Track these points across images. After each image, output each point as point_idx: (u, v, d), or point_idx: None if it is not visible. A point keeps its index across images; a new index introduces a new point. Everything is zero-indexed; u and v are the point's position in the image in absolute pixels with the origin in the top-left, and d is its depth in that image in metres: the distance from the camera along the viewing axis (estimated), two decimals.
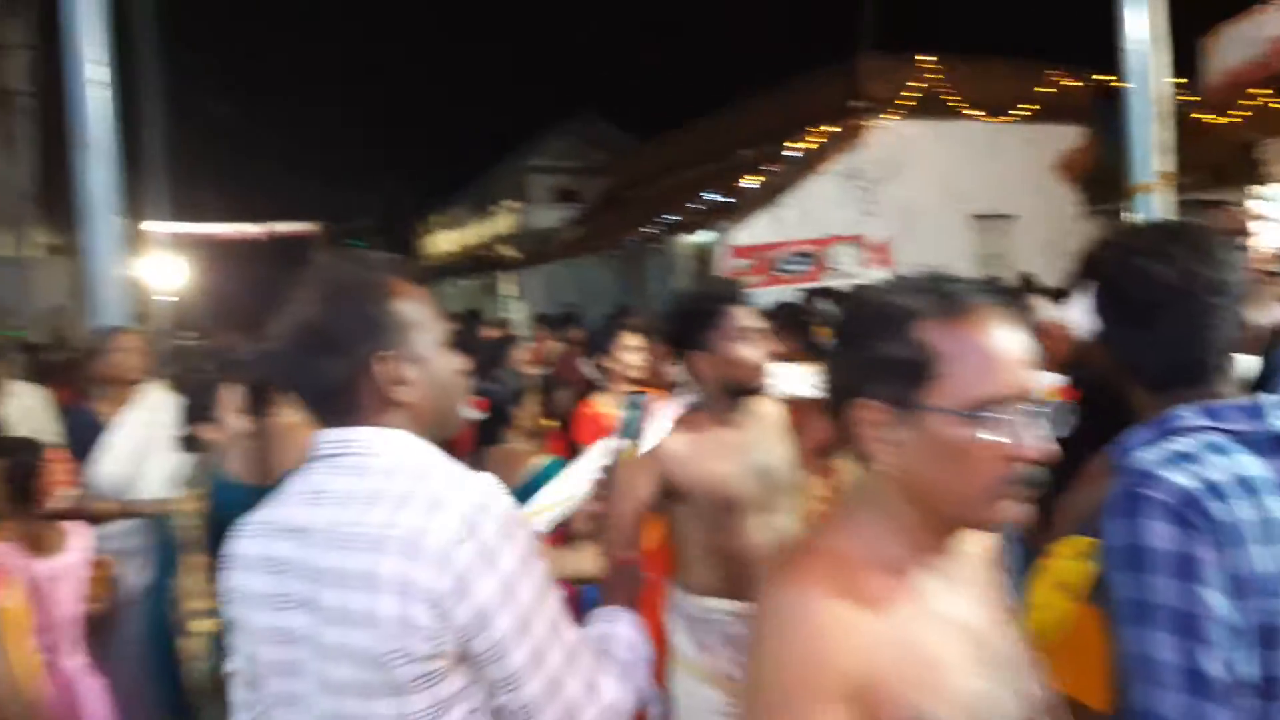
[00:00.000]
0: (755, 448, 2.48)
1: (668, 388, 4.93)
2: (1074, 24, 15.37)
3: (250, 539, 1.41)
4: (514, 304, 23.01)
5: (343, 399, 1.37)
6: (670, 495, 2.41)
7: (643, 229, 17.18)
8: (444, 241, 35.74)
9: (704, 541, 2.43)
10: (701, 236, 15.56)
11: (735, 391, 2.45)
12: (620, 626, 1.52)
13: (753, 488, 2.43)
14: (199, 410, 3.31)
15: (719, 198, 15.70)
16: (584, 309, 17.16)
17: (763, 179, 15.33)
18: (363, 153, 46.24)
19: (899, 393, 1.12)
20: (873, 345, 1.15)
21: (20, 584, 2.30)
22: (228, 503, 2.55)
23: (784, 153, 15.33)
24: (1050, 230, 15.00)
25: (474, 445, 3.61)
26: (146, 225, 16.66)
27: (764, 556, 2.38)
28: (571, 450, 4.41)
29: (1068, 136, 15.01)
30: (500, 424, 3.58)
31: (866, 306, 1.20)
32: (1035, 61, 15.92)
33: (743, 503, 2.42)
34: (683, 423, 2.46)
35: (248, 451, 2.58)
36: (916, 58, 15.36)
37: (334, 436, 1.38)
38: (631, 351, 4.40)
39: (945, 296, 1.16)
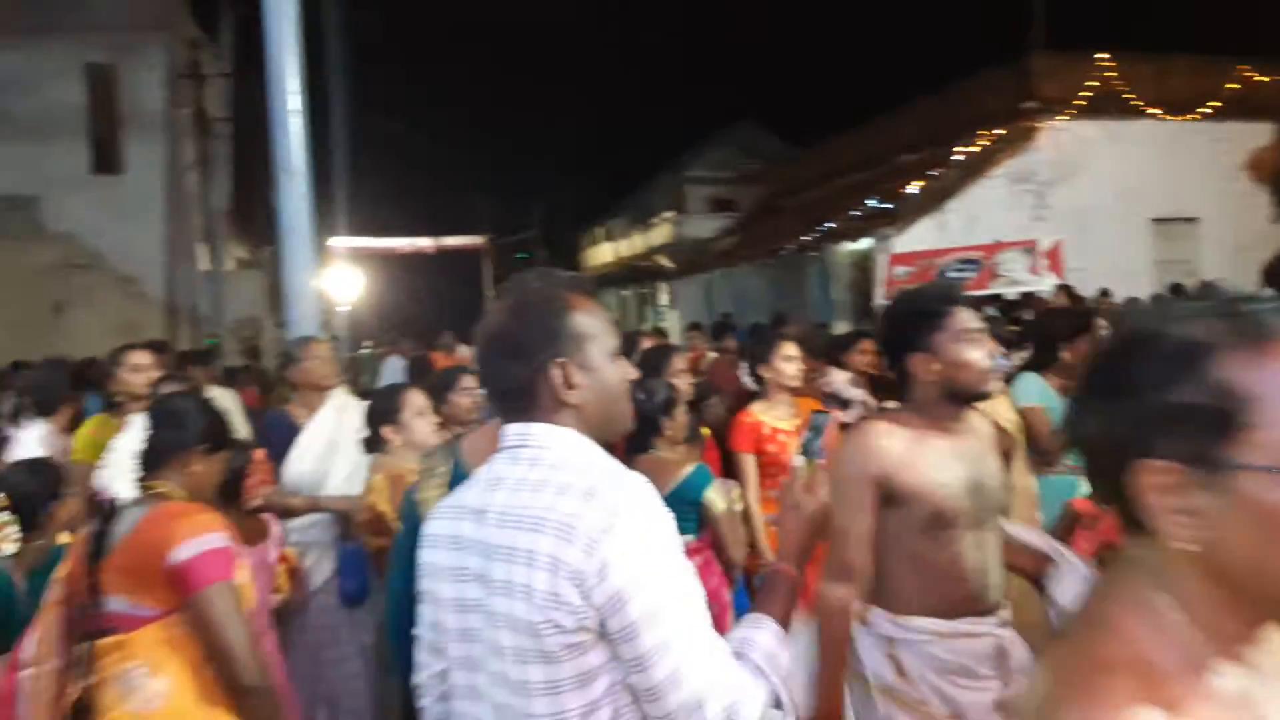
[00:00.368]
0: (972, 458, 2.36)
1: (821, 398, 4.93)
2: (1263, 17, 14.39)
3: (441, 520, 1.60)
4: (669, 314, 23.24)
5: (523, 398, 1.54)
6: (883, 502, 2.31)
7: (800, 237, 17.06)
8: (603, 253, 36.41)
9: (910, 556, 2.31)
10: (860, 244, 15.33)
11: (957, 397, 2.34)
12: (761, 634, 1.54)
13: (968, 501, 2.31)
14: (383, 414, 3.53)
15: (879, 204, 15.44)
16: (739, 318, 17.17)
17: (926, 184, 14.99)
18: (527, 168, 47.56)
19: (1197, 449, 0.90)
20: (1156, 391, 0.92)
21: (246, 566, 2.52)
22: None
23: (950, 157, 14.95)
24: (1239, 234, 14.06)
25: (623, 453, 3.69)
26: (328, 240, 17.71)
27: (972, 576, 2.30)
28: (724, 459, 4.45)
29: (1258, 134, 14.05)
30: (650, 433, 3.62)
31: (1140, 340, 0.96)
32: (1221, 57, 14.98)
33: (958, 516, 2.30)
34: (896, 425, 2.36)
35: (472, 443, 2.75)
36: (1093, 55, 14.70)
37: (515, 430, 1.56)
38: (789, 361, 4.40)
39: (1245, 320, 0.92)
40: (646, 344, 7.22)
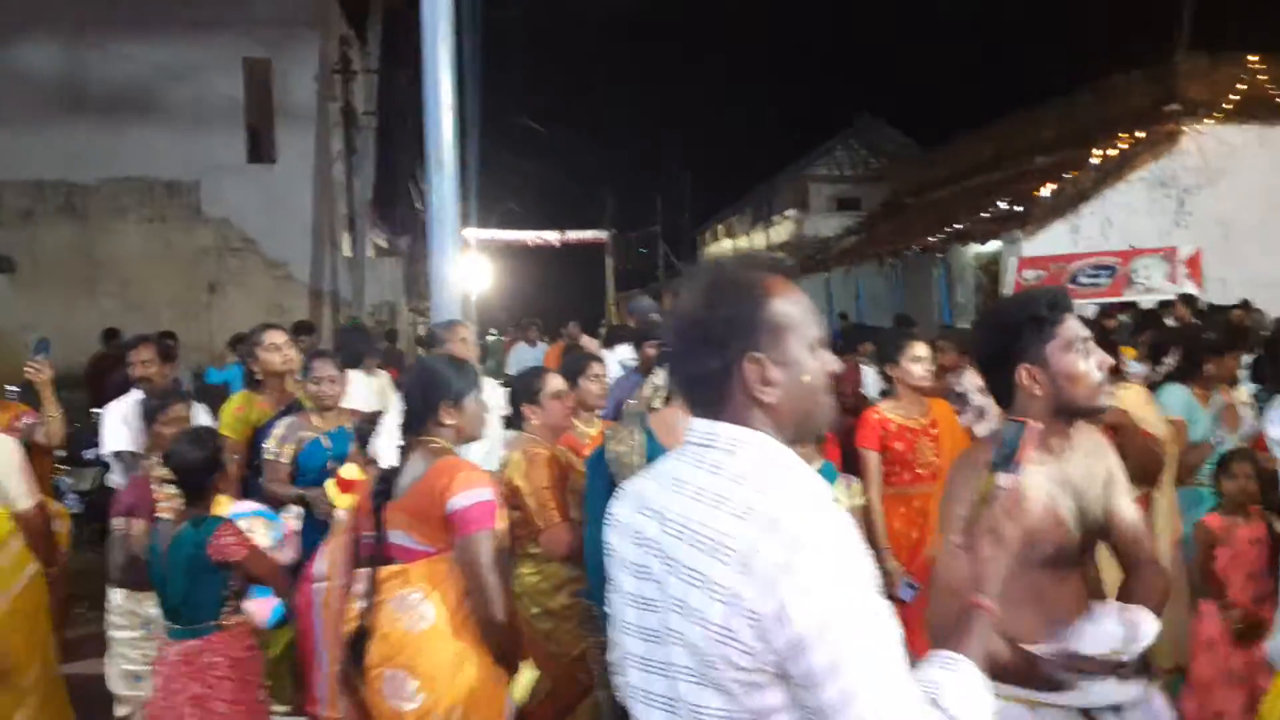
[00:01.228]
0: (1084, 481, 2.15)
1: (949, 399, 4.97)
2: None
3: (625, 507, 1.53)
4: None
5: (712, 392, 1.42)
6: None
7: (925, 238, 16.82)
8: (723, 249, 36.45)
9: (1015, 585, 2.07)
10: (988, 246, 15.05)
11: (1068, 412, 2.12)
12: (956, 676, 1.40)
13: (1077, 528, 2.12)
14: (526, 393, 3.77)
15: (1009, 206, 15.12)
16: (860, 318, 17.02)
17: (1059, 186, 14.61)
18: (651, 163, 47.89)
19: None
20: None
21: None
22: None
23: (1087, 159, 14.53)
24: None
25: None
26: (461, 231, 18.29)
27: (1079, 609, 2.12)
28: (844, 456, 4.54)
29: None
30: None
31: None
32: None
33: (1069, 545, 2.11)
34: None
35: (659, 418, 2.99)
36: (1242, 57, 14.08)
37: (701, 428, 1.44)
38: (918, 361, 4.44)
39: None
40: None
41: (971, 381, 5.09)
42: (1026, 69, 37.75)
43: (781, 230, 28.06)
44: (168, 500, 3.54)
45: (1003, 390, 2.19)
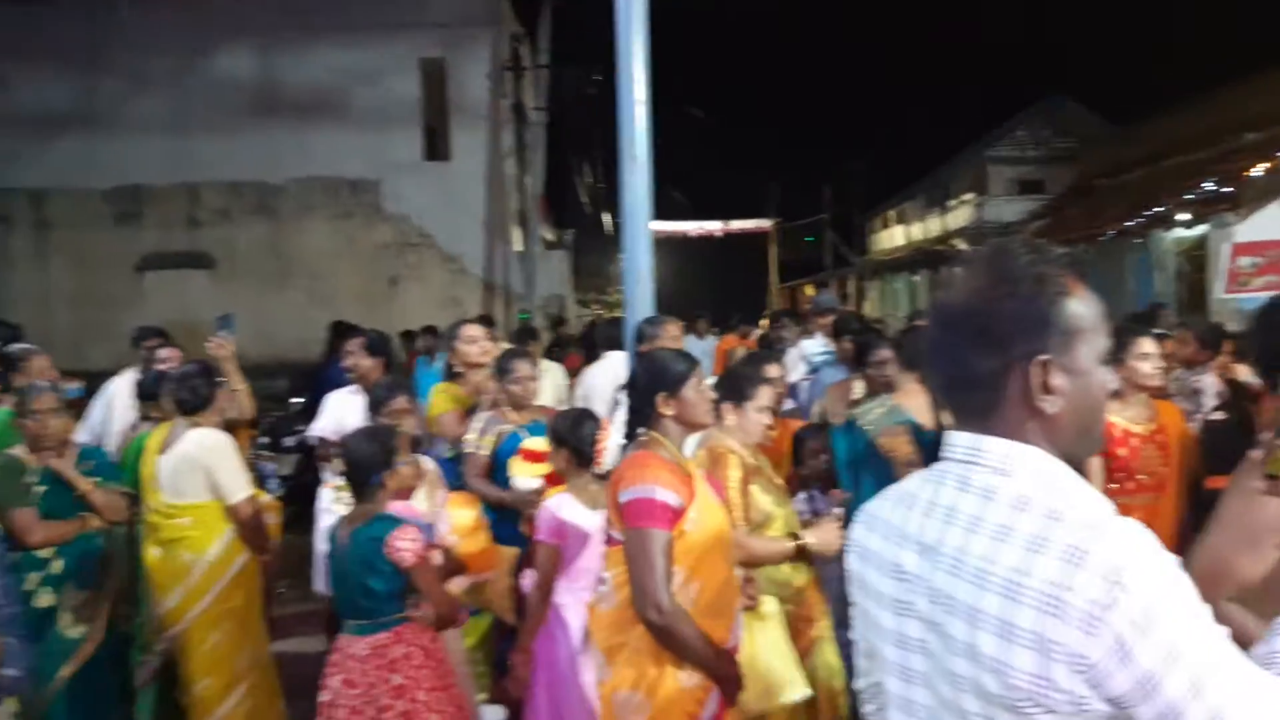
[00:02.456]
0: None
1: (1184, 397, 4.54)
2: None
3: (873, 534, 1.40)
4: None
5: (980, 397, 1.27)
6: None
7: (1120, 222, 15.78)
8: (893, 236, 35.45)
9: None
10: (1193, 231, 13.98)
11: None
12: None
13: None
14: (733, 392, 3.60)
15: (1216, 187, 13.98)
16: None
17: (1273, 165, 13.40)
18: (817, 149, 47.09)
19: None
20: None
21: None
22: (923, 443, 3.78)
23: None
24: None
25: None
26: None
27: None
28: None
29: None
30: None
31: None
32: None
33: None
34: None
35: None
36: None
37: (964, 443, 1.29)
38: (1145, 359, 4.03)
39: None
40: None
41: (1211, 382, 4.63)
42: (1234, 39, 34.97)
43: (958, 215, 26.99)
44: (336, 493, 3.59)
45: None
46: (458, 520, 3.55)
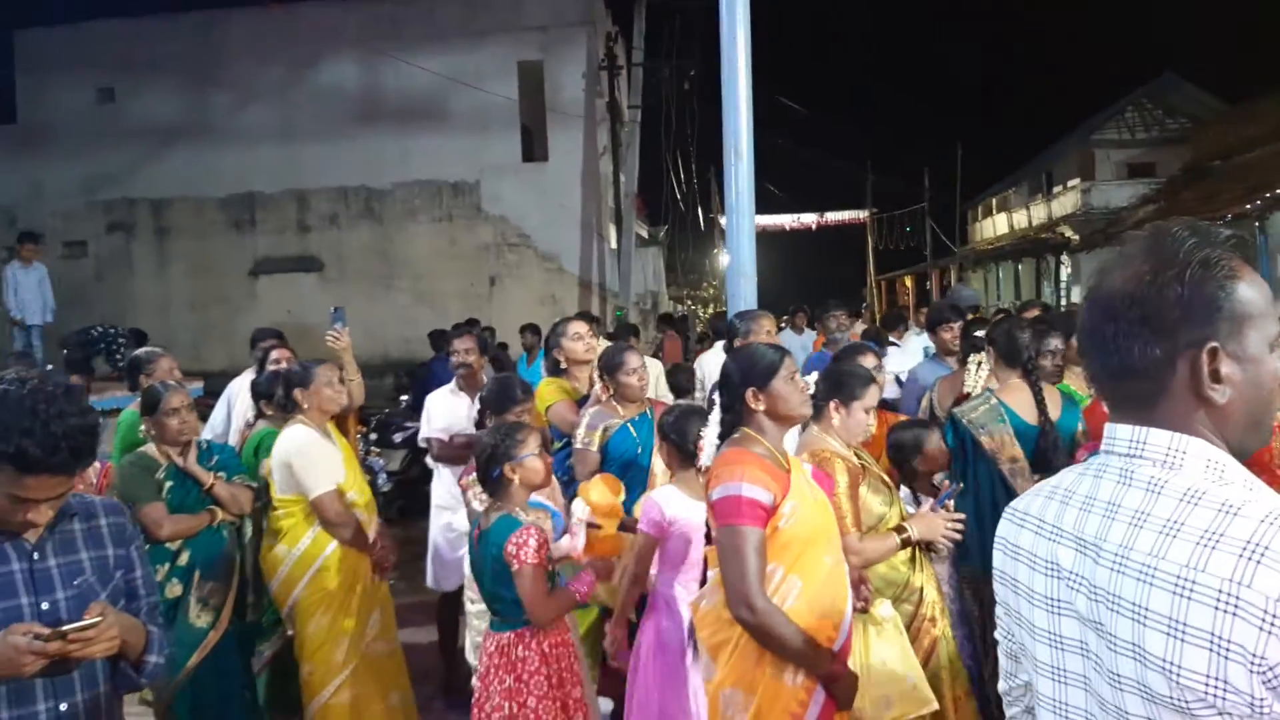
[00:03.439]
0: None
1: None
2: None
3: (1028, 533, 1.36)
4: (1074, 290, 21.57)
5: (1143, 387, 1.22)
6: None
7: (1238, 205, 15.07)
8: (997, 224, 34.53)
9: None
10: None
11: None
12: None
13: None
14: (836, 390, 3.55)
15: None
16: None
17: None
18: (917, 137, 46.12)
19: None
20: None
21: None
22: (1025, 440, 3.80)
23: None
24: None
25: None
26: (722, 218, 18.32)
27: None
28: None
29: None
30: None
31: None
32: None
33: None
34: None
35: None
36: None
37: (1125, 436, 1.24)
38: None
39: None
40: (1031, 314, 6.86)
41: None
42: None
43: (1065, 202, 26.10)
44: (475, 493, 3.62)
45: None
46: (597, 500, 3.54)
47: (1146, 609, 1.14)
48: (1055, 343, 4.19)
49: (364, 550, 4.16)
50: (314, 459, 4.06)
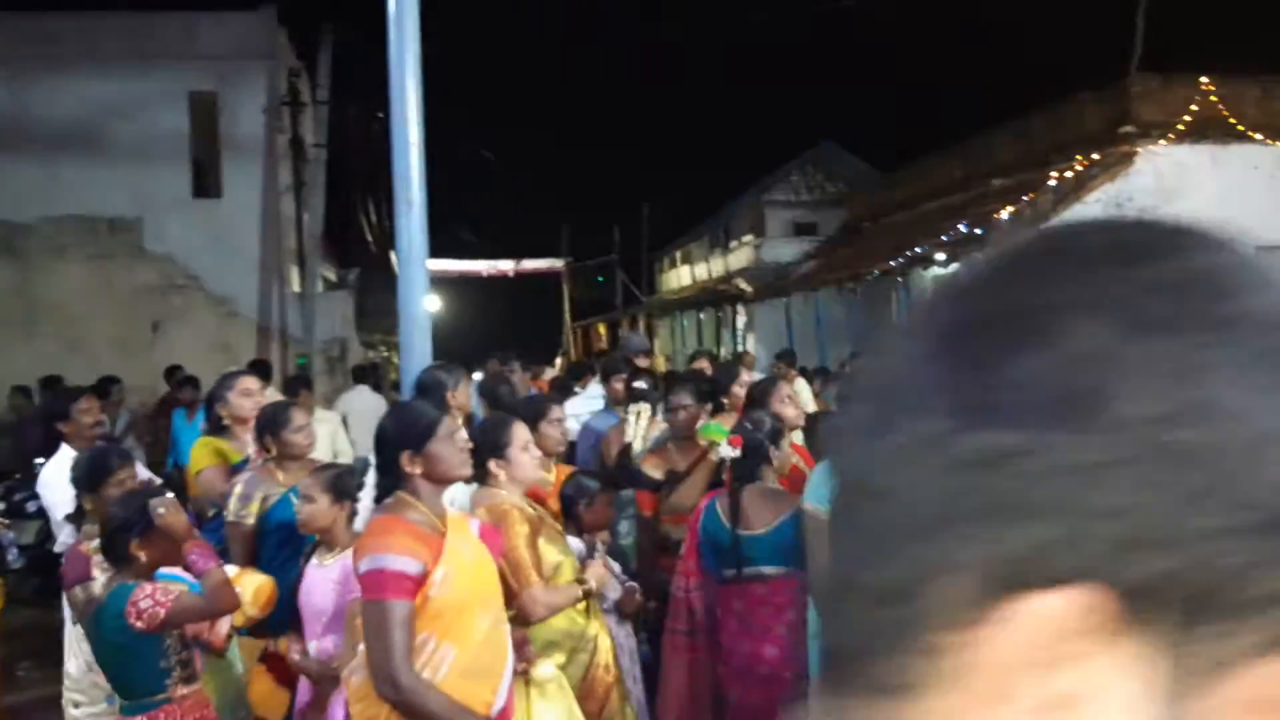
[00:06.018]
0: None
1: None
2: None
3: None
4: (749, 338, 23.12)
5: None
6: None
7: (884, 262, 16.83)
8: (681, 276, 36.43)
9: None
10: (949, 270, 15.06)
11: None
12: None
13: None
14: (490, 448, 3.47)
15: (969, 229, 15.16)
16: (821, 343, 16.97)
17: (1018, 209, 14.68)
18: (606, 191, 47.98)
19: None
20: None
21: None
22: None
23: (1045, 181, 14.63)
24: None
25: (730, 484, 3.68)
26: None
27: None
28: None
29: None
30: (757, 463, 3.67)
31: None
32: None
33: None
34: None
35: None
36: (1194, 78, 14.30)
37: None
38: None
39: None
40: (700, 365, 7.24)
41: None
42: (983, 92, 38.30)
43: (741, 256, 28.01)
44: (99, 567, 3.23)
45: None
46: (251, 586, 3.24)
47: None
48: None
49: None
50: None
